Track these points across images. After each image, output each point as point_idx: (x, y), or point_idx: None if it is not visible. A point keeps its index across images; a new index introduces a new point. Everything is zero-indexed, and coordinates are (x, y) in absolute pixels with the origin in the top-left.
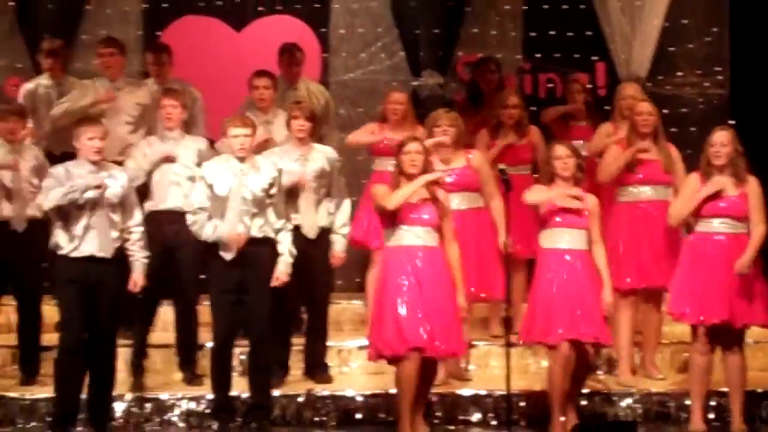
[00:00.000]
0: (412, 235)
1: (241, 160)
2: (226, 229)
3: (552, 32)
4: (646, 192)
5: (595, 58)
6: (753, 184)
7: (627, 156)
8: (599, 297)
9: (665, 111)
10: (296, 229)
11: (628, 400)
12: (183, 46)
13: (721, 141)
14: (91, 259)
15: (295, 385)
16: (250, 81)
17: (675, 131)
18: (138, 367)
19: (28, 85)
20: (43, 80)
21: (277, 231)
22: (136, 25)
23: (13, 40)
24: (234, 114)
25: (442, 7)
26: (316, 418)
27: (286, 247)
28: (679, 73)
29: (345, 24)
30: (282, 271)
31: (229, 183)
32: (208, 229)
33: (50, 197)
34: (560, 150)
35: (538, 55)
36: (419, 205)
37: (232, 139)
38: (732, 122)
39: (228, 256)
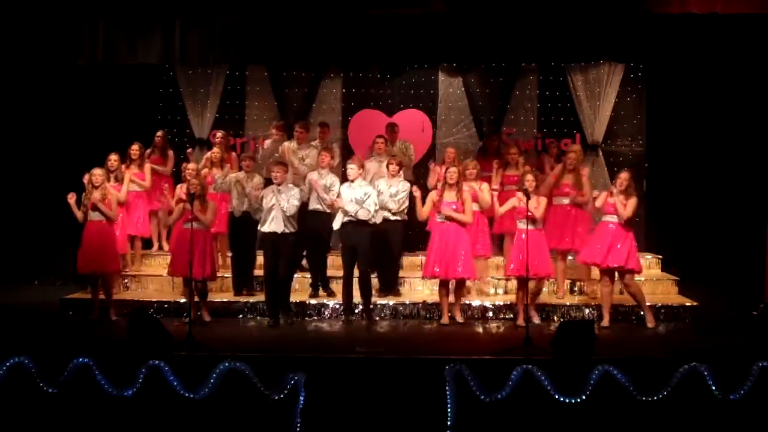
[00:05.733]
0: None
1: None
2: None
3: (552, 118)
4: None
5: (574, 131)
6: (633, 199)
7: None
8: (545, 250)
9: (611, 159)
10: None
11: (588, 309)
12: (362, 124)
13: (624, 176)
14: (273, 233)
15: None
16: (374, 139)
17: (615, 170)
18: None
19: (267, 141)
20: (272, 141)
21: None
22: (338, 114)
23: (275, 121)
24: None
25: (493, 106)
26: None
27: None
28: (618, 140)
29: (445, 114)
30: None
31: (350, 195)
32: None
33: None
34: (530, 176)
35: (545, 130)
36: (450, 201)
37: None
38: (646, 165)
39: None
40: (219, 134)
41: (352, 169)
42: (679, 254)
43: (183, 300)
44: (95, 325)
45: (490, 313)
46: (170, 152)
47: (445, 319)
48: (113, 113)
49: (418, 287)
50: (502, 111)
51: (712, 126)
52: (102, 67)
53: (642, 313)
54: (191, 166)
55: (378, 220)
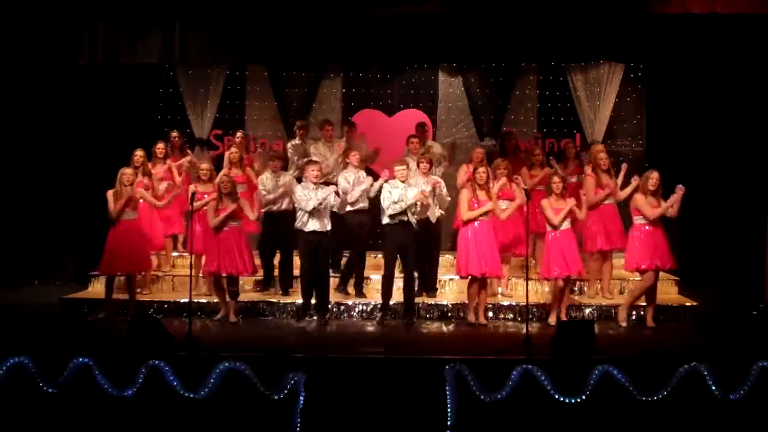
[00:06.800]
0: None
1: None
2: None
3: (552, 118)
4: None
5: (574, 131)
6: (661, 199)
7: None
8: (576, 249)
9: (611, 159)
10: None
11: (589, 309)
12: (362, 124)
13: (656, 176)
14: (314, 232)
15: (420, 298)
16: (408, 139)
17: (615, 170)
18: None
19: (289, 144)
20: (297, 141)
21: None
22: (338, 114)
23: (275, 121)
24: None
25: (493, 106)
26: (428, 315)
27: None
28: (618, 140)
29: (445, 114)
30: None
31: (397, 194)
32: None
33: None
34: (556, 178)
35: (545, 130)
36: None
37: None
38: (646, 165)
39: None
40: (239, 134)
41: (400, 170)
42: (679, 254)
43: (183, 300)
44: (95, 325)
45: (491, 313)
46: (188, 151)
47: (471, 317)
48: (113, 113)
49: None
50: (502, 111)
51: (712, 126)
52: (102, 67)
53: (643, 312)
54: (204, 166)
55: (433, 219)
